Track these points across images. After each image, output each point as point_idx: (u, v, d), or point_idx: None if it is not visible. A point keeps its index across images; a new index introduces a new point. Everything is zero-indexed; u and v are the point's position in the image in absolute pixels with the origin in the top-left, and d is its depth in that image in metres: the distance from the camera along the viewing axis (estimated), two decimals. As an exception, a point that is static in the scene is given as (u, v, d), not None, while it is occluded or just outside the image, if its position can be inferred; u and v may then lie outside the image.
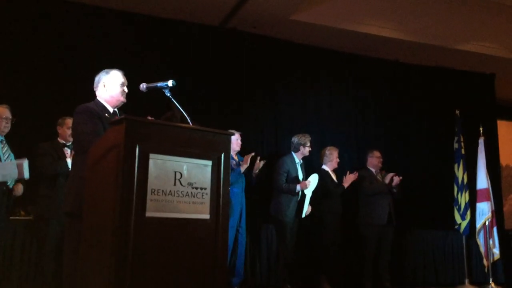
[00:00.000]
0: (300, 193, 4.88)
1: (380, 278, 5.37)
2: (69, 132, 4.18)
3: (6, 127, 3.88)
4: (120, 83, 2.86)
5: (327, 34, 5.89)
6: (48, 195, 4.00)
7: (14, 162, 3.76)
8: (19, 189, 3.88)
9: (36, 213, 4.14)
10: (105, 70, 2.89)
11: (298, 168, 5.05)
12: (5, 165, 3.75)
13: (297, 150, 5.08)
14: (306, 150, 5.08)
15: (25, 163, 3.75)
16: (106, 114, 2.78)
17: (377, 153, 5.66)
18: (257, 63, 5.85)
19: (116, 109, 2.90)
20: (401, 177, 5.47)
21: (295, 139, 5.12)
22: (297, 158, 5.07)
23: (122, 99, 2.88)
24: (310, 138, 5.13)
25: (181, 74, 5.00)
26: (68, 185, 2.83)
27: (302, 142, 5.07)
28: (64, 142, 4.19)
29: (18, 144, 4.06)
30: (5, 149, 3.88)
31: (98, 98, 2.88)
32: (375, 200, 5.40)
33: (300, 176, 5.00)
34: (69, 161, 4.00)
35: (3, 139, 3.90)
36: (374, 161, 5.64)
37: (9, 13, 4.77)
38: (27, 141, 4.24)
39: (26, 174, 3.76)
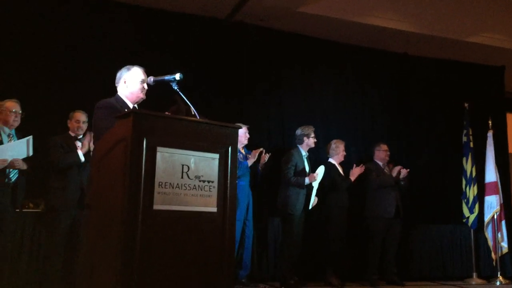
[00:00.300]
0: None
1: (387, 271, 5.37)
2: (76, 125, 4.22)
3: (15, 121, 3.93)
4: (140, 80, 2.87)
5: (334, 26, 5.84)
6: (59, 187, 4.04)
7: (23, 140, 3.79)
8: (20, 162, 3.77)
9: (47, 205, 4.18)
10: (127, 66, 2.90)
11: (305, 160, 5.04)
12: (14, 145, 3.78)
13: (301, 142, 5.06)
14: (310, 141, 5.06)
15: (30, 139, 3.79)
16: (126, 110, 2.79)
17: (384, 146, 5.63)
18: (263, 56, 5.81)
19: (135, 105, 2.92)
20: (408, 169, 5.46)
21: (298, 131, 5.10)
22: (303, 151, 5.06)
23: (142, 95, 2.89)
24: (313, 129, 5.10)
25: (185, 67, 4.97)
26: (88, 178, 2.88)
27: (306, 133, 5.05)
28: (75, 135, 4.22)
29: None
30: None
31: (118, 93, 2.90)
32: (382, 193, 5.38)
33: (307, 169, 4.99)
34: (80, 153, 4.05)
35: (11, 132, 3.94)
36: (381, 154, 5.61)
37: (12, 8, 4.77)
38: (37, 134, 4.27)
39: (31, 151, 3.80)
